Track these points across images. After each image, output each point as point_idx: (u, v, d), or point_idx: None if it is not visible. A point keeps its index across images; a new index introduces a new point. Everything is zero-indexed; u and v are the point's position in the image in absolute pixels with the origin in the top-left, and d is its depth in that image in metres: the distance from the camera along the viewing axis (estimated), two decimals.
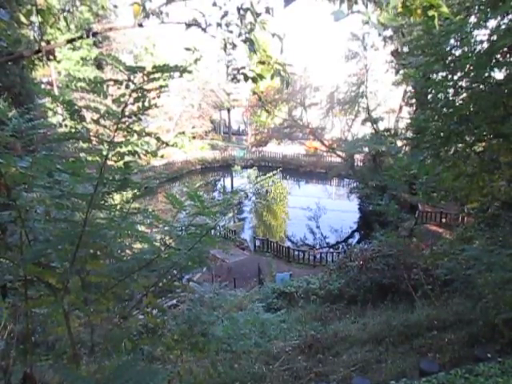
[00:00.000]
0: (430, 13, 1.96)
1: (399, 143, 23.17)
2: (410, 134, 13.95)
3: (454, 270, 8.04)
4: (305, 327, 8.07)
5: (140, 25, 2.28)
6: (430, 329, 6.52)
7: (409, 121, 21.99)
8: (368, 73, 27.28)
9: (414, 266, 9.98)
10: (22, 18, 2.27)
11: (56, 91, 31.76)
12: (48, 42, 2.78)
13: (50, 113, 16.74)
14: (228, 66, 48.26)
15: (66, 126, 1.94)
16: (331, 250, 21.68)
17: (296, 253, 20.25)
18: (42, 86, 28.08)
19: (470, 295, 7.24)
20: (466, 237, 9.27)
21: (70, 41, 2.55)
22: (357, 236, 25.87)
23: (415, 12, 1.98)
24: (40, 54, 2.57)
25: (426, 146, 6.89)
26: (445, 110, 6.74)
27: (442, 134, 6.62)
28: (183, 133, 41.28)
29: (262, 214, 30.57)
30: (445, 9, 1.98)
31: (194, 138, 44.44)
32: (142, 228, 3.01)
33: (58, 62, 30.52)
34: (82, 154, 2.28)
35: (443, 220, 20.27)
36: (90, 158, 2.09)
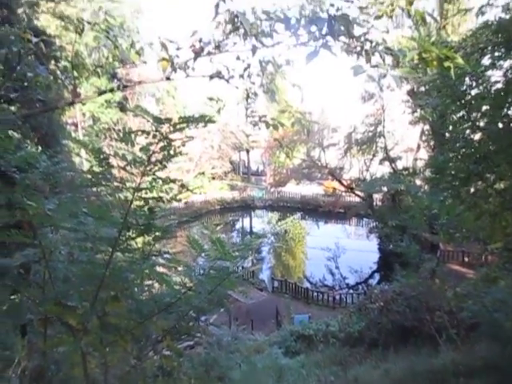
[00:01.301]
0: (446, 64, 2.02)
1: (418, 182, 23.01)
2: (428, 173, 13.91)
3: (480, 313, 7.76)
4: (324, 372, 7.83)
5: (168, 78, 2.40)
6: (456, 375, 6.25)
7: (427, 159, 21.93)
8: (385, 113, 27.54)
9: (438, 309, 9.68)
10: (58, 73, 2.43)
11: (80, 132, 32.85)
12: (75, 87, 2.92)
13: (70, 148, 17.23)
14: (247, 109, 49.45)
15: (93, 171, 2.03)
16: (351, 291, 21.25)
17: (315, 294, 19.90)
18: (67, 127, 29.10)
19: (497, 339, 6.96)
20: (490, 277, 9.00)
21: (101, 93, 2.70)
22: (377, 277, 25.33)
23: (431, 63, 2.04)
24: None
25: (446, 186, 6.84)
26: (464, 150, 6.74)
27: (461, 174, 6.59)
28: (203, 173, 41.92)
29: (280, 254, 30.32)
30: (460, 60, 2.04)
31: (213, 178, 45.03)
32: (161, 268, 3.04)
33: (83, 104, 31.70)
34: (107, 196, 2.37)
35: (466, 259, 19.77)
36: (114, 200, 2.16)
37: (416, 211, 9.17)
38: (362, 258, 27.00)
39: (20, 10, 9.92)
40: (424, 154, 27.53)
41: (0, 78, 2.19)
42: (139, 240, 2.92)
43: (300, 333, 12.19)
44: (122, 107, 33.82)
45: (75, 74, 2.39)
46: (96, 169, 2.13)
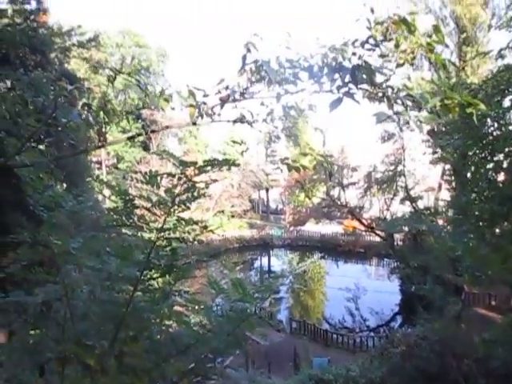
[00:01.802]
0: (468, 110, 2.05)
1: (440, 222, 22.59)
2: (451, 214, 13.67)
3: (510, 362, 7.39)
4: None
5: (194, 123, 2.49)
6: None
7: (449, 199, 21.61)
8: (405, 152, 27.48)
9: (464, 355, 9.25)
10: (91, 119, 2.54)
11: (104, 170, 33.65)
12: (104, 132, 3.01)
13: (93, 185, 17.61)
14: (267, 149, 50.36)
15: (118, 211, 2.07)
16: (372, 333, 20.58)
17: (334, 336, 19.32)
18: (92, 165, 29.85)
19: None
20: None
21: (130, 137, 2.81)
22: (399, 319, 24.54)
23: (453, 109, 2.07)
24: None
25: (470, 227, 6.72)
26: (487, 191, 6.64)
27: (485, 216, 6.47)
28: (222, 211, 42.16)
29: (298, 294, 29.76)
30: (482, 106, 2.06)
31: (232, 216, 45.20)
32: (179, 307, 3.03)
33: (105, 137, 32.63)
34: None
35: (493, 303, 19.02)
36: (137, 240, 2.19)
37: (439, 252, 8.96)
38: (383, 300, 26.27)
39: (52, 55, 10.46)
40: (446, 194, 27.17)
41: (34, 122, 2.30)
42: (159, 279, 2.93)
43: (319, 377, 11.76)
44: (146, 146, 34.70)
45: (105, 119, 2.51)
46: (121, 209, 2.17)
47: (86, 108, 2.48)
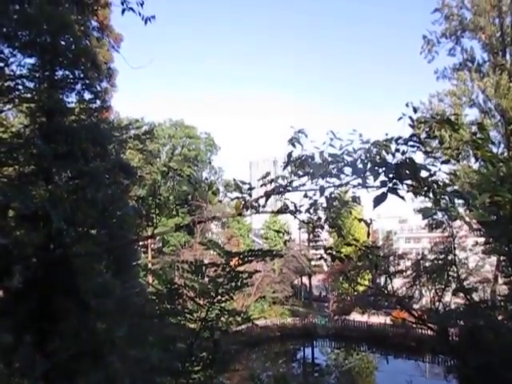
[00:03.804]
0: None
1: (500, 317, 20.87)
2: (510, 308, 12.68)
3: None
4: None
5: (239, 214, 2.59)
6: None
7: (507, 292, 20.13)
8: (455, 241, 26.41)
9: None
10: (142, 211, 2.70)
11: (149, 254, 34.33)
12: (151, 218, 3.14)
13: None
14: (309, 234, 50.01)
15: (162, 300, 2.09)
16: None
17: None
18: (138, 249, 30.59)
19: None
20: None
21: (178, 228, 2.93)
22: None
23: (504, 207, 2.03)
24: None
25: None
26: None
27: None
28: (264, 297, 41.29)
29: None
30: None
31: (274, 303, 44.04)
32: None
33: (155, 227, 33.70)
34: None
35: None
36: (181, 330, 2.18)
37: (501, 351, 8.20)
38: None
39: (110, 146, 11.31)
40: (504, 287, 25.43)
41: (91, 212, 2.46)
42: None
43: None
44: (190, 231, 35.34)
45: (157, 210, 2.66)
46: (165, 296, 2.19)
47: (140, 201, 2.63)
